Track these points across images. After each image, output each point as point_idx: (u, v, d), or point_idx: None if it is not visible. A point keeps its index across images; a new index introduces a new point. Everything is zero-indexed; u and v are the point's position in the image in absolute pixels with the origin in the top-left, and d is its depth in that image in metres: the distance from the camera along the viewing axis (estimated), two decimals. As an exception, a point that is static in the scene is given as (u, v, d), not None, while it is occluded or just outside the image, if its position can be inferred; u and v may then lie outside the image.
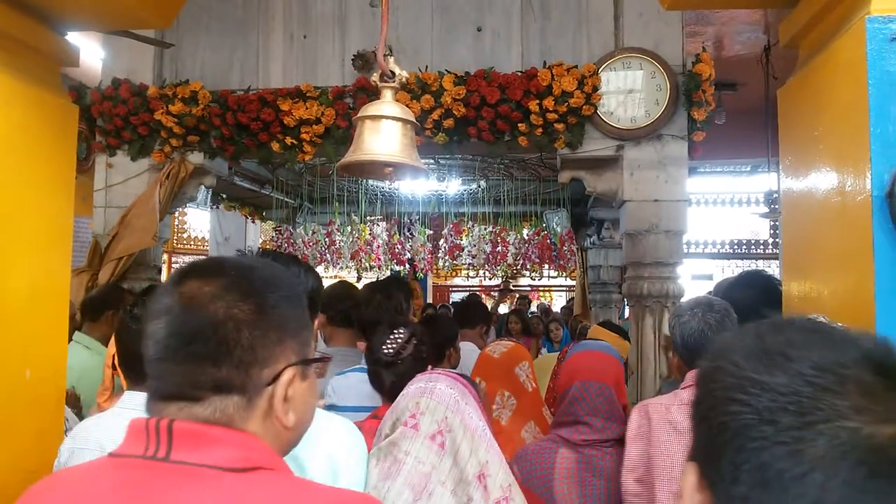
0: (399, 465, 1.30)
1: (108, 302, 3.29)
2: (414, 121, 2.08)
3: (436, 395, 1.39)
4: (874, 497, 0.57)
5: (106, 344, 2.94)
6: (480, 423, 1.41)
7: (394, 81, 2.06)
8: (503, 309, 8.84)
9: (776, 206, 5.88)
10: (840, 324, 1.07)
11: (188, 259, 10.05)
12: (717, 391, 0.67)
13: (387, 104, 2.05)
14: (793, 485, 0.59)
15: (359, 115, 2.08)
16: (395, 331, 2.03)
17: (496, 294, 10.62)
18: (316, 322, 1.56)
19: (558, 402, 2.08)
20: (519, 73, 3.67)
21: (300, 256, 5.68)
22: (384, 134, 1.99)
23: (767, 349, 0.66)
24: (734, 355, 0.68)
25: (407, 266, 5.98)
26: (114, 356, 2.10)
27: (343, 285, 3.07)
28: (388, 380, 1.97)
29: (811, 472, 0.58)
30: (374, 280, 3.94)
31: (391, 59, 2.07)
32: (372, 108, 2.05)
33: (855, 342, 0.65)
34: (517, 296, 10.35)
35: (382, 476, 1.30)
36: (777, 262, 8.62)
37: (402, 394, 1.47)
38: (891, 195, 1.53)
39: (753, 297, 2.36)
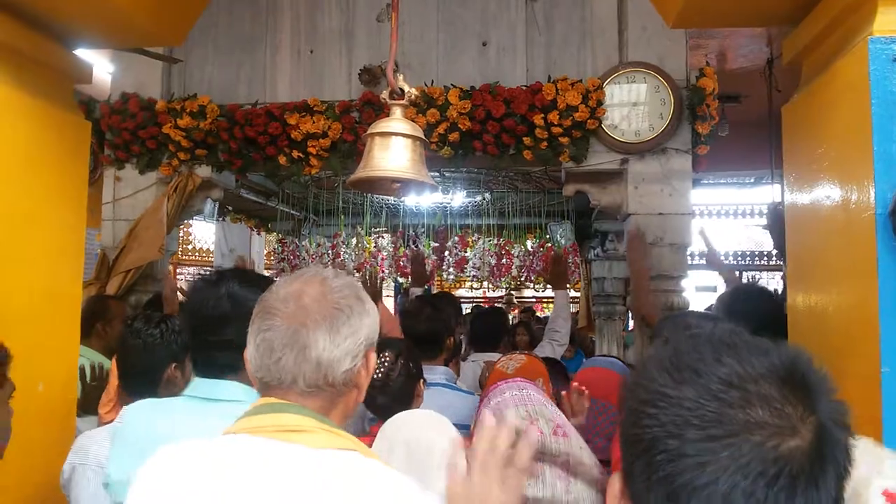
0: (541, 465, 1.46)
1: (95, 314, 3.23)
2: (423, 137, 2.11)
3: (534, 400, 1.57)
4: None
5: (107, 355, 2.95)
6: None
7: (403, 98, 2.09)
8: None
9: (780, 219, 5.88)
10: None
11: (192, 270, 10.08)
12: (633, 404, 0.71)
13: (396, 121, 2.08)
14: (696, 495, 0.62)
15: (368, 131, 2.11)
16: (382, 354, 2.05)
17: (502, 306, 10.62)
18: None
19: None
20: (524, 88, 3.70)
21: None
22: (394, 150, 2.02)
23: (679, 364, 0.69)
24: (651, 369, 0.71)
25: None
26: None
27: None
28: (381, 400, 2.01)
29: (714, 483, 0.62)
30: (421, 294, 3.90)
31: (400, 77, 2.10)
32: (381, 125, 2.08)
33: (765, 356, 0.68)
34: (522, 307, 10.34)
35: (530, 475, 1.49)
36: (780, 273, 8.62)
37: (492, 410, 1.58)
38: (894, 213, 1.55)
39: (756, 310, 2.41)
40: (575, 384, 1.97)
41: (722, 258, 3.52)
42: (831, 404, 0.66)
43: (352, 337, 1.10)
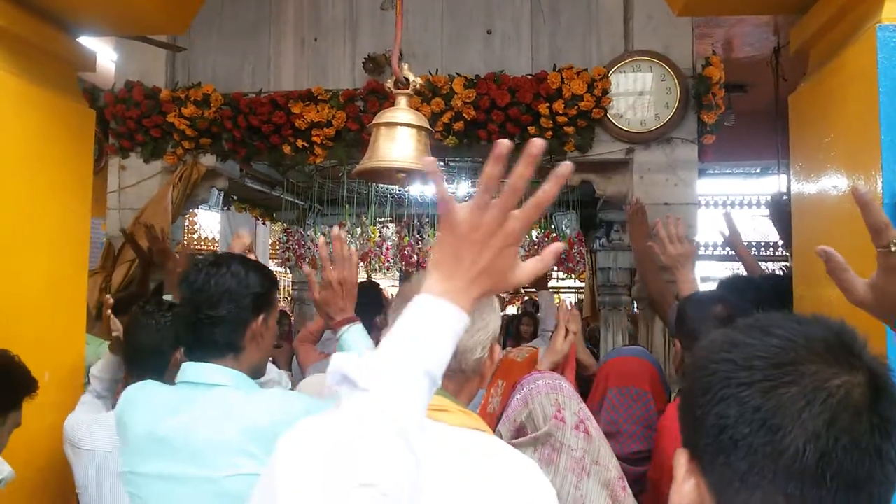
0: (557, 454, 1.52)
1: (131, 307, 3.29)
2: (428, 127, 2.10)
3: (565, 391, 1.60)
4: (837, 432, 0.66)
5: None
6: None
7: (408, 88, 2.08)
8: (511, 310, 8.86)
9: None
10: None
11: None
12: (701, 362, 0.77)
13: (401, 111, 2.07)
14: (770, 417, 0.68)
15: (374, 121, 2.11)
16: None
17: (506, 296, 10.61)
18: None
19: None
20: (529, 77, 3.68)
21: (309, 259, 5.70)
22: (399, 140, 2.01)
23: (744, 328, 0.76)
24: (715, 340, 0.77)
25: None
26: None
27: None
28: None
29: (782, 407, 0.68)
30: None
31: (406, 66, 2.09)
32: (387, 115, 2.08)
33: (821, 322, 0.75)
34: (524, 298, 10.32)
35: (544, 462, 1.52)
36: (786, 263, 8.59)
37: (525, 396, 1.61)
38: (902, 202, 1.54)
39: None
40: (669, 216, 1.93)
41: (744, 242, 3.39)
42: (880, 361, 0.73)
43: (483, 330, 1.21)
